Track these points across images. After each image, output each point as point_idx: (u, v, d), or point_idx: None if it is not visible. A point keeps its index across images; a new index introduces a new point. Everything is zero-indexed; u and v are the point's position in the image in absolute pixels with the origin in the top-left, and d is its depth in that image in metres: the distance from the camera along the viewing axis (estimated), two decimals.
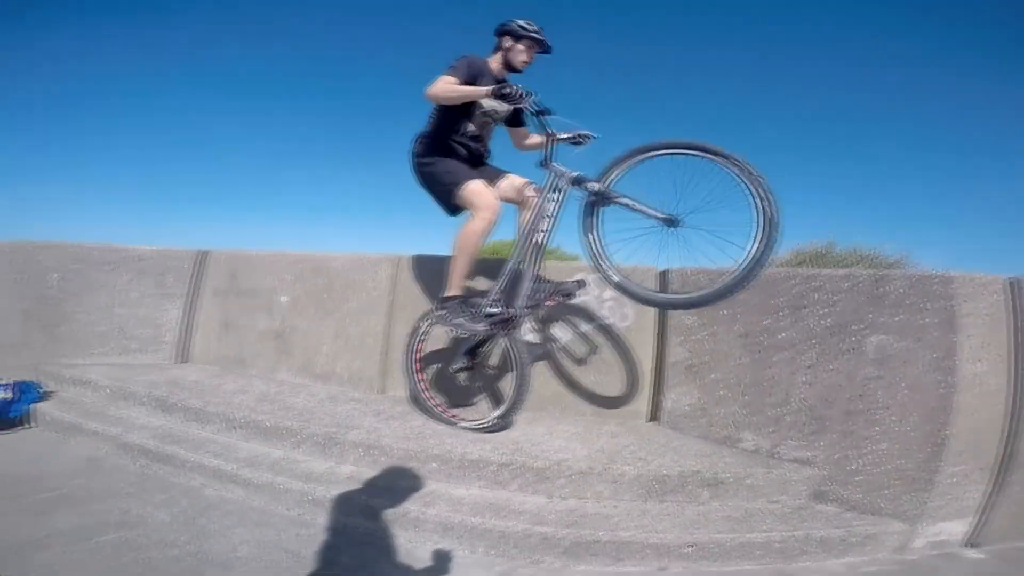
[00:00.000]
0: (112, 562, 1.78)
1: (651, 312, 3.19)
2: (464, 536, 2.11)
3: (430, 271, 3.60)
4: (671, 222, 2.32)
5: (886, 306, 2.38)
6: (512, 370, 2.82)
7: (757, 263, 2.06)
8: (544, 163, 2.75)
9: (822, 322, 2.55)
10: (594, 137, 2.83)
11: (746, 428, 2.73)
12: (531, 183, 2.99)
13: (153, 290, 4.19)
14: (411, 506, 2.20)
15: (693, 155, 2.21)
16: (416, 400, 3.18)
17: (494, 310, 2.76)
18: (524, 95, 2.50)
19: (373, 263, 3.75)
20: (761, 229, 2.05)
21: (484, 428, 2.82)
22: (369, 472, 2.52)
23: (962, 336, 2.22)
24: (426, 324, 3.10)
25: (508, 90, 2.48)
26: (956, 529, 2.32)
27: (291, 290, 3.94)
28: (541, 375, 3.28)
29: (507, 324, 2.76)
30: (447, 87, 2.65)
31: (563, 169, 2.68)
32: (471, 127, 2.91)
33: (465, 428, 2.86)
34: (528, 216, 2.84)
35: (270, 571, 1.81)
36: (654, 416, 3.15)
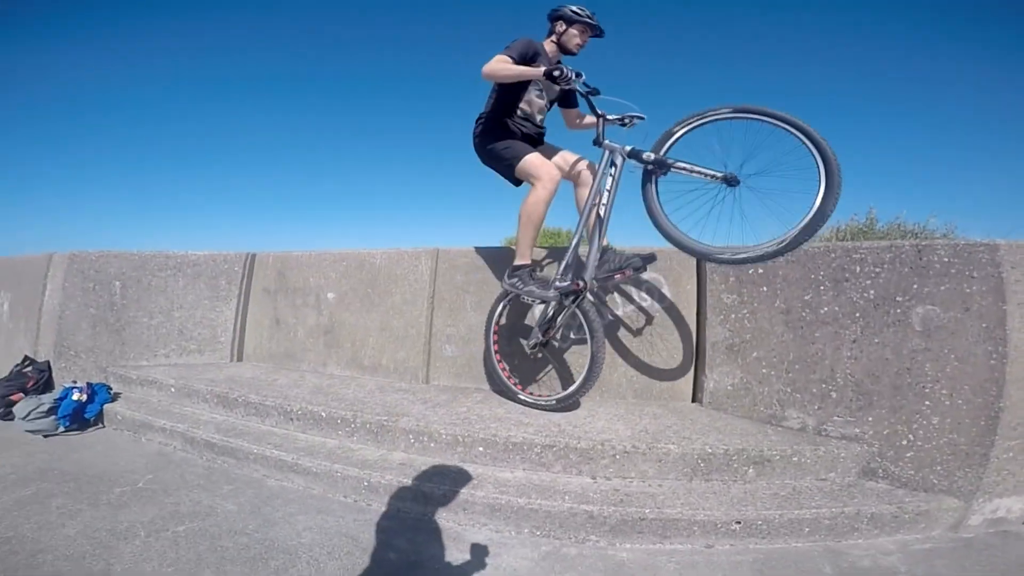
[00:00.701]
0: (190, 551, 1.92)
1: (691, 292, 3.17)
2: (511, 517, 2.17)
3: (468, 262, 3.66)
4: (731, 181, 2.38)
5: (931, 276, 2.30)
6: (587, 341, 2.85)
7: (822, 214, 2.11)
8: (597, 141, 2.85)
9: (865, 295, 2.48)
10: (641, 117, 2.92)
11: (791, 406, 2.69)
12: (584, 159, 3.10)
13: (207, 293, 4.40)
14: (459, 489, 2.27)
15: (743, 118, 2.28)
16: (497, 381, 3.29)
17: (564, 283, 2.85)
18: (573, 76, 2.59)
19: (412, 257, 3.84)
20: (824, 178, 2.09)
21: (558, 405, 2.92)
22: (419, 458, 2.62)
23: (1012, 304, 2.12)
24: (502, 304, 3.22)
25: (558, 71, 2.56)
26: (1015, 506, 2.23)
27: (336, 287, 4.08)
28: (572, 349, 3.31)
29: (576, 295, 2.83)
30: (501, 65, 2.72)
31: (616, 145, 2.77)
32: (526, 107, 3.02)
33: (542, 405, 2.97)
34: (585, 193, 2.96)
35: (331, 556, 1.92)
36: (696, 397, 3.14)
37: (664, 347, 3.19)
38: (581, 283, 2.78)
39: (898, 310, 2.38)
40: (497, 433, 2.56)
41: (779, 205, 2.24)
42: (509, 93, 2.95)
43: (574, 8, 2.89)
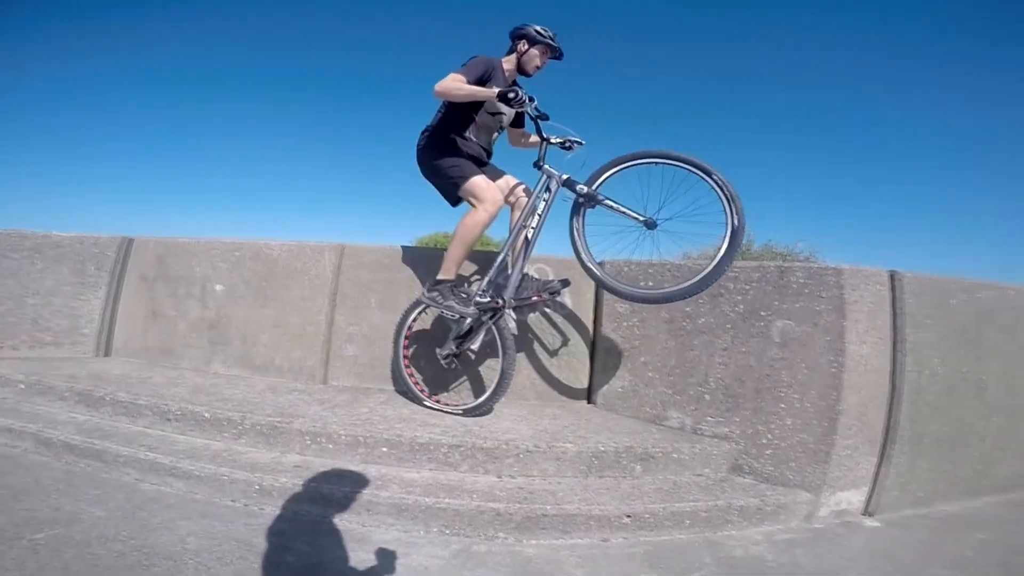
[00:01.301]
0: (54, 560, 1.69)
1: (589, 301, 3.37)
2: (418, 516, 2.16)
3: (375, 260, 3.59)
4: (649, 224, 2.55)
5: (789, 294, 2.66)
6: (499, 356, 2.91)
7: (725, 263, 2.35)
8: (538, 164, 2.88)
9: (736, 308, 2.80)
10: (581, 143, 3.02)
11: (672, 407, 2.95)
12: (523, 184, 3.11)
13: (71, 279, 3.88)
14: (362, 490, 2.22)
15: (671, 165, 2.46)
16: (402, 384, 3.22)
17: (484, 299, 2.86)
18: (526, 100, 2.60)
19: (315, 251, 3.68)
20: (729, 235, 2.33)
21: (464, 415, 2.91)
22: (316, 460, 2.51)
23: (850, 321, 2.51)
24: (416, 311, 3.14)
25: (513, 94, 2.55)
26: (854, 499, 2.59)
27: (227, 278, 3.78)
28: (485, 363, 3.38)
29: (495, 313, 2.85)
30: (454, 85, 2.68)
31: (555, 171, 2.82)
32: (475, 127, 2.99)
33: (449, 413, 2.94)
34: (518, 215, 2.97)
35: (222, 561, 1.79)
36: (591, 398, 3.34)
37: (565, 352, 3.36)
38: (501, 301, 2.82)
39: (761, 323, 2.72)
40: (402, 434, 2.54)
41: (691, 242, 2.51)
42: (459, 111, 2.91)
43: (538, 29, 2.91)
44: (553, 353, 3.37)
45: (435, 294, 2.91)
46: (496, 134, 3.17)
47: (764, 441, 2.64)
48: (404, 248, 3.64)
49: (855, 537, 2.37)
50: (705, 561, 2.05)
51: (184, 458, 2.45)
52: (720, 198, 2.33)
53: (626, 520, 2.22)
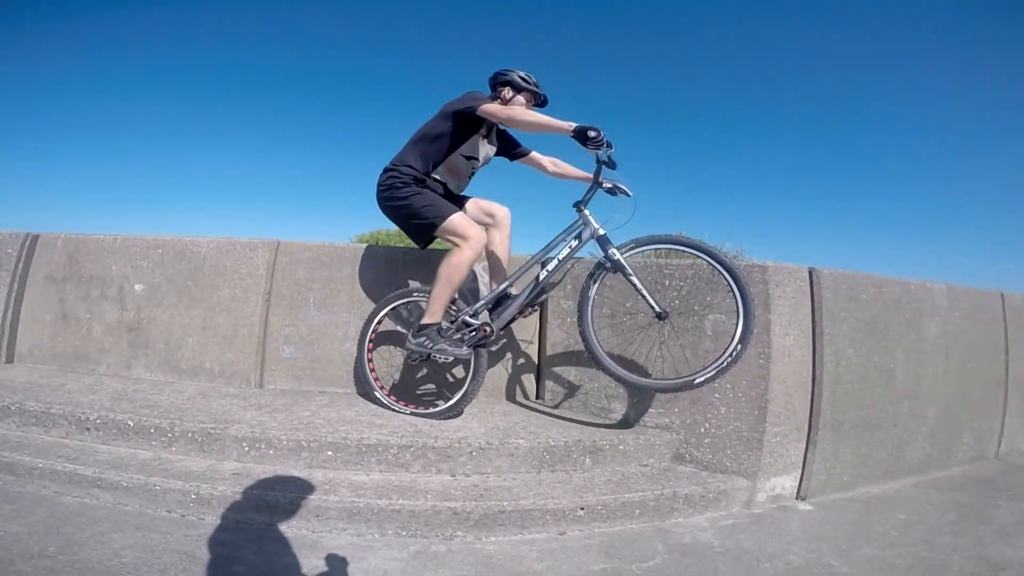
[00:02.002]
0: None
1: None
2: (372, 520, 2.17)
3: (313, 258, 3.52)
4: (661, 316, 2.67)
5: (719, 290, 2.86)
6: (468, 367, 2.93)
7: (734, 360, 2.53)
8: (579, 207, 2.81)
9: (672, 304, 2.99)
10: (628, 194, 2.84)
11: (616, 400, 3.11)
12: (496, 204, 3.08)
13: None
14: (309, 496, 2.20)
15: (700, 256, 2.64)
16: (367, 390, 3.13)
17: (474, 322, 2.83)
18: (604, 145, 2.52)
19: (247, 248, 3.56)
20: (741, 336, 2.52)
21: (437, 416, 2.89)
22: (257, 466, 2.46)
23: (775, 314, 2.76)
24: (383, 312, 3.07)
25: (594, 133, 2.42)
26: (787, 484, 2.82)
27: (148, 277, 3.58)
28: (435, 362, 3.40)
29: (484, 342, 2.81)
30: (528, 113, 2.59)
31: (594, 223, 2.77)
32: (446, 168, 2.88)
33: (418, 416, 2.91)
34: (496, 236, 3.00)
35: (165, 574, 1.74)
36: (540, 394, 3.46)
37: (512, 349, 3.45)
38: (489, 330, 2.79)
39: (695, 317, 2.92)
40: (348, 436, 2.53)
41: (693, 344, 2.79)
42: (433, 149, 2.80)
43: (523, 75, 2.84)
44: (503, 350, 3.45)
45: (423, 339, 2.80)
46: (466, 181, 3.06)
47: (702, 430, 2.84)
48: (345, 246, 3.60)
49: (791, 521, 2.58)
50: (658, 549, 2.18)
51: (109, 468, 2.33)
52: (738, 305, 2.54)
53: (580, 512, 2.32)
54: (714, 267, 2.60)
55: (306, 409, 2.95)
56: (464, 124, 2.80)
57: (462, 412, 2.99)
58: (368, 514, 2.17)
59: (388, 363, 3.37)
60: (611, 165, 2.75)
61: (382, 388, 3.12)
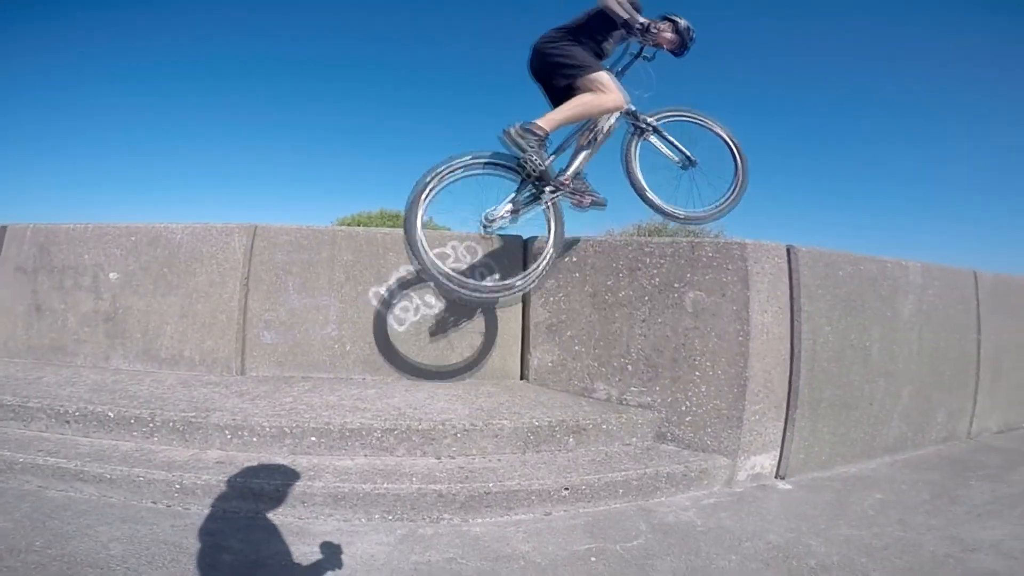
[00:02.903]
0: None
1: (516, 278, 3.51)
2: (357, 504, 2.23)
3: (291, 241, 3.53)
4: (691, 163, 3.13)
5: (699, 267, 2.95)
6: (548, 233, 3.00)
7: (734, 203, 3.15)
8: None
9: (652, 281, 3.06)
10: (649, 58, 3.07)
11: (599, 379, 3.20)
12: None
13: None
14: (295, 482, 2.26)
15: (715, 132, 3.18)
16: (424, 263, 2.80)
17: (555, 174, 2.92)
18: (658, 41, 2.89)
19: (223, 233, 3.55)
20: (733, 191, 3.14)
21: (508, 291, 2.96)
22: (240, 454, 2.52)
23: (753, 291, 2.83)
24: (441, 171, 2.82)
25: (646, 25, 2.80)
26: (766, 462, 2.92)
27: (122, 266, 3.57)
28: (417, 343, 3.47)
29: (557, 189, 2.91)
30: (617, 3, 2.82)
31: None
32: (609, 44, 3.02)
33: (484, 295, 2.93)
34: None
35: (153, 565, 1.79)
36: (524, 374, 3.54)
37: (496, 329, 3.51)
38: (567, 180, 2.91)
39: (675, 295, 2.99)
40: (331, 421, 2.58)
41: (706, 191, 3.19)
42: (603, 25, 2.93)
43: (691, 29, 2.99)
44: (486, 330, 3.51)
45: (529, 137, 2.77)
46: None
47: (683, 408, 2.93)
48: (323, 228, 3.60)
49: (771, 500, 2.68)
50: (641, 529, 2.28)
51: (91, 461, 2.37)
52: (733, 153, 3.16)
53: (565, 493, 2.41)
54: (721, 139, 3.17)
55: (288, 395, 3.00)
56: (600, 16, 2.93)
57: (528, 288, 3.05)
58: (354, 499, 2.24)
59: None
60: (651, 58, 3.05)
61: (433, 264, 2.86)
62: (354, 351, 3.47)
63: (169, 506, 2.23)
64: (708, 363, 2.89)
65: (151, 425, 2.62)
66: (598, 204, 3.01)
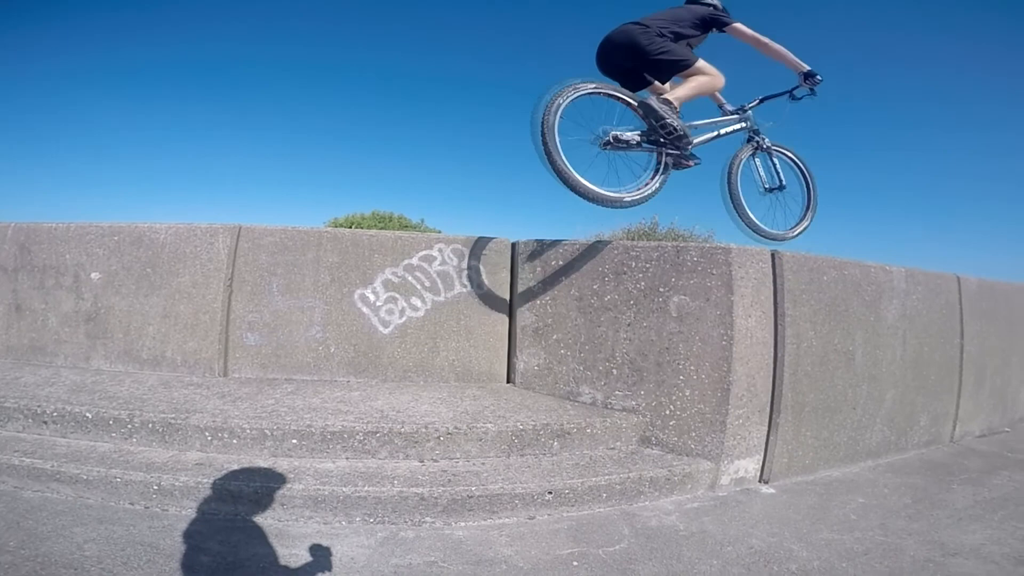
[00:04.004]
0: None
1: (505, 280, 3.57)
2: (338, 507, 2.25)
3: (275, 242, 3.54)
4: (781, 189, 3.47)
5: (684, 271, 2.99)
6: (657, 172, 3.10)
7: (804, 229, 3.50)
8: (745, 107, 3.44)
9: (638, 285, 3.10)
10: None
11: (584, 383, 3.23)
12: None
13: None
14: (275, 484, 2.27)
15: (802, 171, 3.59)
16: (562, 174, 2.82)
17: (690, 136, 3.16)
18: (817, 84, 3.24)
19: (207, 234, 3.56)
20: (801, 221, 3.50)
21: (637, 200, 3.04)
22: (220, 456, 2.53)
23: (737, 296, 2.88)
24: (567, 95, 2.90)
25: (819, 77, 3.20)
26: (750, 467, 2.96)
27: (104, 266, 3.57)
28: (402, 344, 3.48)
29: (685, 144, 3.11)
30: (775, 44, 3.20)
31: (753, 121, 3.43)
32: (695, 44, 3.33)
33: (626, 200, 2.97)
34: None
35: (128, 566, 1.80)
36: (510, 377, 3.56)
37: (482, 332, 3.53)
38: (690, 142, 3.14)
39: (660, 299, 3.03)
40: (312, 424, 2.60)
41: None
42: (698, 32, 3.26)
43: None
44: (471, 333, 3.53)
45: (668, 107, 3.04)
46: None
47: (667, 412, 2.96)
48: (309, 229, 3.62)
49: (754, 504, 2.71)
50: (624, 533, 2.30)
51: (68, 462, 2.38)
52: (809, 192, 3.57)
53: (548, 497, 2.43)
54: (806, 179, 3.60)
55: (270, 397, 3.01)
56: (705, 25, 3.28)
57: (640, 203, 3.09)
58: (334, 502, 2.25)
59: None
60: (798, 97, 3.38)
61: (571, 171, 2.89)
62: (338, 353, 3.48)
63: (147, 507, 2.24)
64: (692, 367, 2.93)
65: (130, 426, 2.62)
66: (695, 164, 3.27)
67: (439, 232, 4.12)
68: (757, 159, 3.44)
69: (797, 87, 3.32)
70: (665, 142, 3.16)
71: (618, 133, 3.07)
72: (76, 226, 3.66)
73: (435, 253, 3.52)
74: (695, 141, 3.26)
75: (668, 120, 3.06)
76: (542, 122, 2.80)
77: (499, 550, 2.10)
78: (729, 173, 3.36)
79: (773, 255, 3.06)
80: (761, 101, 3.49)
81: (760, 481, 3.00)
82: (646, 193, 3.11)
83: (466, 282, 3.52)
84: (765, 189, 3.48)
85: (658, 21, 3.30)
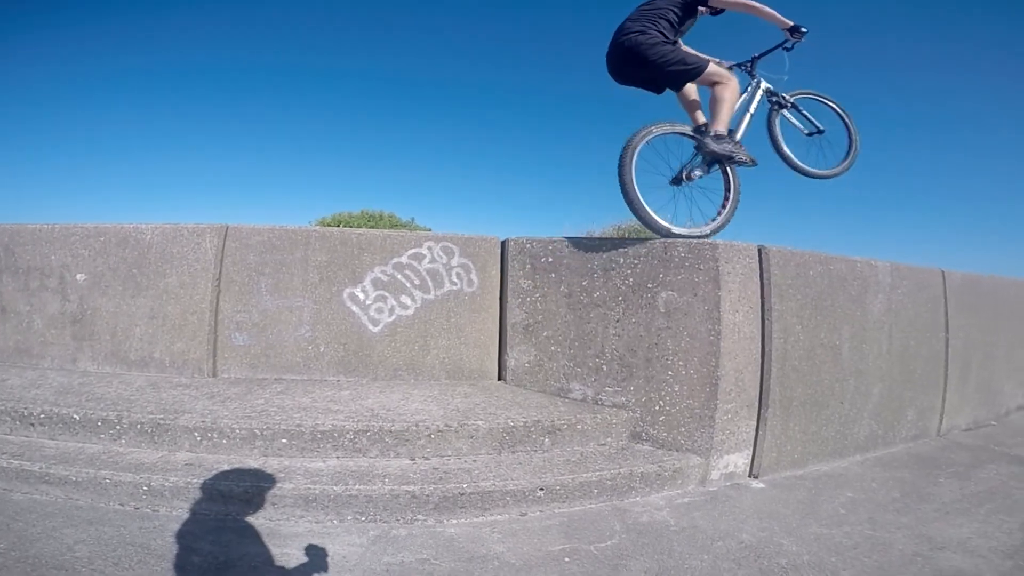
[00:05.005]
0: None
1: (495, 277, 3.60)
2: (329, 506, 2.28)
3: (263, 241, 3.55)
4: (820, 132, 3.81)
5: (672, 267, 3.03)
6: (727, 190, 3.48)
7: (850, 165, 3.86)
8: (754, 73, 3.67)
9: (626, 281, 3.14)
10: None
11: (574, 379, 3.27)
12: None
13: None
14: (265, 484, 2.30)
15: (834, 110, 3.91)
16: (636, 207, 3.18)
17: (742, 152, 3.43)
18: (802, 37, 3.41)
19: (194, 234, 3.57)
20: (848, 157, 3.85)
21: (697, 236, 3.26)
22: (210, 456, 2.55)
23: (724, 291, 2.92)
24: (640, 141, 3.26)
25: (805, 29, 3.35)
26: (740, 461, 3.01)
27: (90, 267, 3.56)
28: (392, 343, 3.51)
29: (742, 160, 3.39)
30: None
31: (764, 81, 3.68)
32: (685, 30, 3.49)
33: (680, 234, 3.20)
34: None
35: (119, 566, 1.82)
36: (501, 375, 3.60)
37: (472, 329, 3.57)
38: (743, 155, 3.39)
39: (649, 295, 3.08)
40: (302, 423, 2.62)
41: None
42: (685, 18, 3.41)
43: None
44: (462, 331, 3.57)
45: (726, 144, 3.32)
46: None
47: (657, 408, 3.01)
48: (296, 228, 3.63)
49: (744, 499, 2.76)
50: (615, 529, 2.34)
51: (57, 463, 2.39)
52: (848, 134, 3.89)
53: (540, 493, 2.47)
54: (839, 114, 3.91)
55: (260, 397, 3.03)
56: (691, 7, 3.41)
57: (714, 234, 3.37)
58: (325, 501, 2.28)
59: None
60: (790, 48, 3.55)
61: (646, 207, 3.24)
62: (328, 352, 3.50)
63: (137, 508, 2.26)
64: (681, 363, 2.98)
65: (118, 427, 2.64)
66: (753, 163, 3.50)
67: (429, 230, 4.15)
68: (787, 113, 3.75)
69: (785, 41, 3.49)
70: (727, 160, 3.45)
71: (688, 171, 3.42)
72: (61, 227, 3.65)
73: (424, 251, 3.55)
74: (739, 136, 3.54)
75: (736, 156, 3.37)
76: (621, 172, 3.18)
77: (491, 547, 2.14)
78: (771, 135, 3.73)
79: (760, 250, 3.11)
80: (754, 60, 3.67)
81: (750, 476, 3.05)
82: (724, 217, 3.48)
83: (456, 280, 3.55)
84: (806, 136, 3.83)
85: (657, 23, 3.37)
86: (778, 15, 3.40)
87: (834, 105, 3.93)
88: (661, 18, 3.40)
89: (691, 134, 3.42)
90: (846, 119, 3.92)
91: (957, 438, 4.13)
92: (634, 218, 3.30)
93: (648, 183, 3.31)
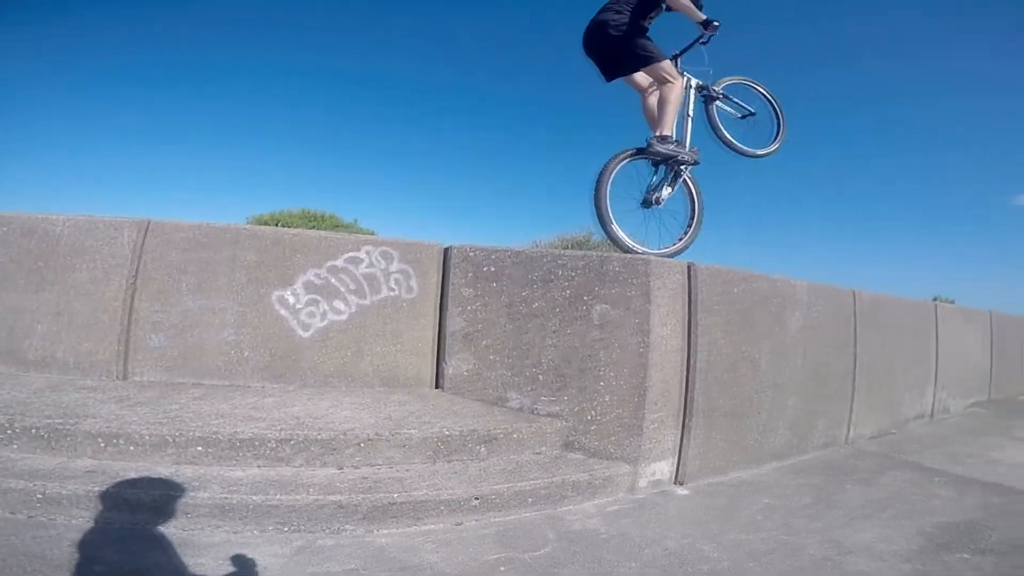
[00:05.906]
0: None
1: (435, 284, 3.59)
2: (248, 516, 2.18)
3: (188, 238, 3.39)
4: (752, 114, 4.13)
5: (607, 280, 3.13)
6: (692, 202, 3.89)
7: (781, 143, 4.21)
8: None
9: (563, 293, 3.22)
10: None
11: (512, 388, 3.29)
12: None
13: None
14: (177, 493, 2.18)
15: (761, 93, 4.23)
16: (609, 230, 3.52)
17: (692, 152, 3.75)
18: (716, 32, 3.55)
19: (111, 227, 3.36)
20: (779, 134, 4.21)
21: (667, 254, 3.60)
22: (115, 463, 2.39)
23: (654, 305, 3.05)
24: (619, 163, 3.60)
25: (717, 23, 3.49)
26: (666, 469, 3.11)
27: None
28: (324, 348, 3.42)
29: (691, 160, 3.75)
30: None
31: (692, 78, 3.85)
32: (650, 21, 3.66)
33: (652, 254, 3.42)
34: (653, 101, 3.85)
35: None
36: (438, 383, 3.56)
37: (410, 337, 3.53)
38: (692, 152, 3.74)
39: (584, 307, 3.16)
40: (219, 430, 2.51)
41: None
42: (649, 13, 3.58)
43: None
44: (399, 338, 3.52)
45: (669, 144, 3.58)
46: None
47: (589, 417, 3.08)
48: (225, 226, 3.49)
49: (670, 505, 2.85)
50: (549, 537, 2.37)
51: None
52: (775, 113, 4.24)
53: (475, 503, 2.46)
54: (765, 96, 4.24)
55: (175, 402, 2.87)
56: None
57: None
58: (243, 511, 2.19)
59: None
60: (705, 41, 3.71)
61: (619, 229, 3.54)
62: (253, 357, 3.36)
63: (31, 517, 2.09)
64: (612, 374, 3.06)
65: (9, 432, 2.44)
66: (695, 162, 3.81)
67: (372, 233, 4.09)
68: (720, 103, 4.01)
69: (701, 36, 3.66)
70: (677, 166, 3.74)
71: (651, 193, 3.76)
72: None
73: (362, 255, 3.49)
74: (687, 138, 3.85)
75: (680, 155, 3.67)
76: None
77: (424, 556, 2.11)
78: (713, 127, 4.01)
79: (689, 267, 3.27)
80: (675, 59, 3.80)
81: (675, 483, 3.16)
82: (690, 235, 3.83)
83: (394, 286, 3.51)
84: (739, 118, 4.14)
85: (634, 9, 3.59)
86: (692, 8, 3.56)
87: (761, 89, 4.26)
88: (638, 4, 3.63)
89: (645, 148, 3.63)
90: (772, 100, 4.27)
91: (863, 446, 4.43)
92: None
93: (623, 209, 3.64)
